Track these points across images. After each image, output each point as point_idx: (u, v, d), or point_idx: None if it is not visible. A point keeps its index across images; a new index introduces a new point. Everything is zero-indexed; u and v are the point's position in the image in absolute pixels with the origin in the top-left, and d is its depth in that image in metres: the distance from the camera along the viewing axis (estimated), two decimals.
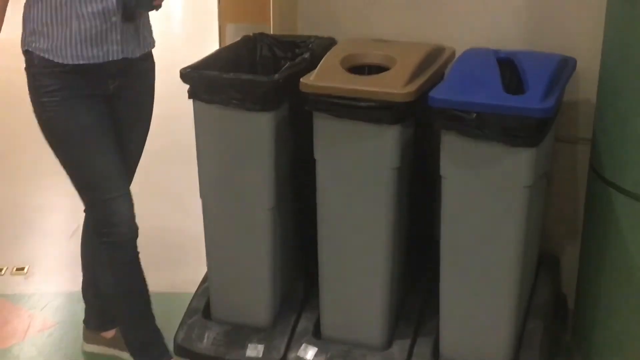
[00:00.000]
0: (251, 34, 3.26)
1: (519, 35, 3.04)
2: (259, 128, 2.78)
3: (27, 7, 2.46)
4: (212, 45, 5.97)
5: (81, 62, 2.45)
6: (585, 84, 2.98)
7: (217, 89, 2.76)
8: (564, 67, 2.80)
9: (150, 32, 2.71)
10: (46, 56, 2.43)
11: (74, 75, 2.47)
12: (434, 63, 2.88)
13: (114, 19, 2.44)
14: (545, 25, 3.02)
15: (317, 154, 2.77)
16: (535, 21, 3.03)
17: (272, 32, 3.46)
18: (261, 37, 3.24)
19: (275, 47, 3.19)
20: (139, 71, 2.67)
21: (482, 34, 3.07)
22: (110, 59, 2.49)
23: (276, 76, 2.75)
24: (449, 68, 2.86)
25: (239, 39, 3.24)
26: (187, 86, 2.82)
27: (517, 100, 2.51)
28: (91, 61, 2.46)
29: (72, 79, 2.48)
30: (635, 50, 2.57)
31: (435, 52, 2.94)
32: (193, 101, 2.83)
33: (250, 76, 2.78)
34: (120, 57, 2.51)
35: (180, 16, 7.95)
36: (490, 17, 3.08)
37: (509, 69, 2.77)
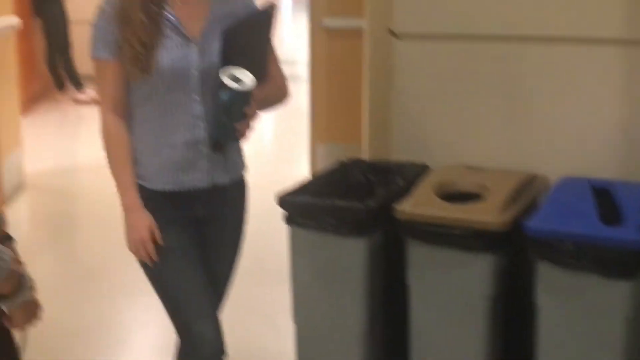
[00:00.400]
0: (345, 160, 3.33)
1: (614, 164, 3.04)
2: (354, 254, 2.82)
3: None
4: (303, 164, 6.14)
5: (170, 188, 2.47)
6: None
7: (313, 215, 2.82)
8: None
9: (241, 157, 2.66)
10: (140, 182, 2.46)
11: (164, 200, 2.48)
12: (527, 191, 2.90)
13: (203, 148, 2.45)
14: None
15: (410, 281, 2.79)
16: (630, 150, 3.03)
17: (363, 155, 3.54)
18: (355, 162, 3.31)
19: (369, 172, 3.25)
20: (228, 198, 2.63)
21: (575, 162, 3.08)
22: (198, 186, 2.49)
23: (370, 203, 2.81)
24: (543, 196, 2.86)
25: (329, 158, 3.31)
26: (275, 205, 2.87)
27: (614, 232, 2.50)
28: (180, 188, 2.47)
29: (163, 203, 2.48)
30: None
31: (528, 180, 2.96)
32: (289, 226, 2.90)
33: (345, 202, 2.84)
34: (208, 184, 2.50)
35: (272, 136, 8.16)
36: (584, 146, 3.09)
37: (605, 198, 2.76)
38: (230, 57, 2.36)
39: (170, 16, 2.37)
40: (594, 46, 3.05)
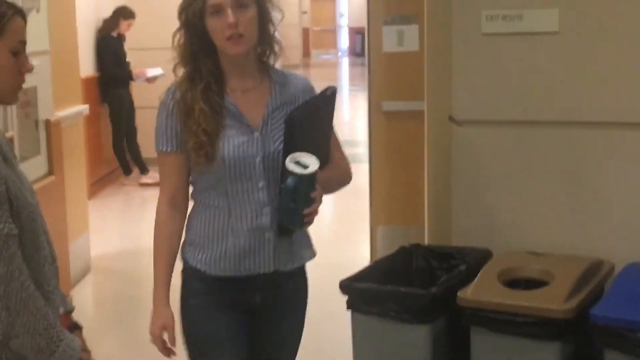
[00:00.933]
0: (406, 245, 3.34)
1: None
2: (417, 340, 2.80)
3: (188, 219, 2.49)
4: (363, 246, 6.14)
5: (232, 274, 2.43)
6: None
7: (375, 301, 2.83)
8: None
9: (309, 243, 2.58)
10: (199, 267, 2.44)
11: (222, 286, 2.45)
12: (593, 278, 2.86)
13: (267, 234, 2.42)
14: None
15: None
16: None
17: (425, 238, 3.54)
18: (416, 248, 3.32)
19: (431, 258, 3.25)
20: (289, 286, 2.54)
21: None
22: (262, 272, 2.44)
23: (433, 289, 2.80)
24: (609, 283, 2.83)
25: (389, 240, 3.32)
26: (336, 288, 2.88)
27: None
28: (242, 274, 2.43)
29: (220, 287, 2.45)
30: None
31: (594, 266, 2.93)
32: (351, 312, 2.90)
33: (408, 289, 2.85)
34: (271, 269, 2.45)
35: (332, 217, 8.20)
36: None
37: None
38: (294, 142, 2.36)
39: (230, 105, 2.39)
40: None
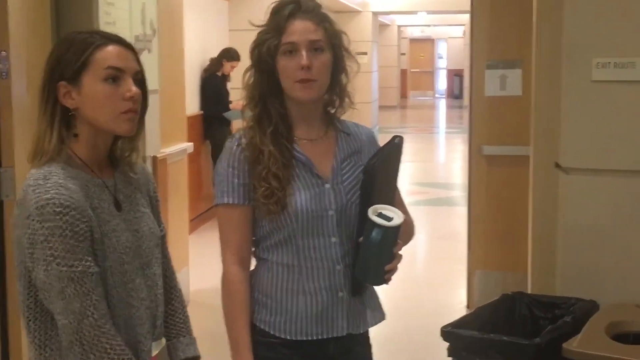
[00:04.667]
0: (509, 292, 3.30)
1: None
2: None
3: (253, 278, 2.29)
4: (460, 291, 6.07)
5: (305, 338, 2.25)
6: None
7: (478, 350, 2.79)
8: None
9: (379, 305, 2.41)
10: (267, 329, 2.25)
11: (292, 350, 2.26)
12: None
13: (341, 294, 2.26)
14: None
15: None
16: None
17: (529, 287, 3.48)
18: (520, 295, 3.27)
19: (534, 306, 3.20)
20: (360, 354, 2.38)
21: None
22: (335, 335, 2.26)
23: (538, 340, 2.75)
24: None
25: (487, 286, 3.27)
26: (435, 334, 2.85)
27: None
28: (315, 337, 2.25)
29: (289, 354, 2.27)
30: None
31: None
32: (452, 359, 2.87)
33: (511, 338, 2.80)
34: (345, 333, 2.27)
35: (429, 261, 8.14)
36: None
37: None
38: (372, 194, 2.23)
39: (299, 154, 2.24)
40: None
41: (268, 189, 2.18)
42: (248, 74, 2.27)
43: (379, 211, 2.15)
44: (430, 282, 7.36)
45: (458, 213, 7.75)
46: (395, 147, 2.28)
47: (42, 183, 1.86)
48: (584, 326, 2.80)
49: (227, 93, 8.46)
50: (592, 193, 3.26)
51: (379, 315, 2.38)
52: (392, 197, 2.27)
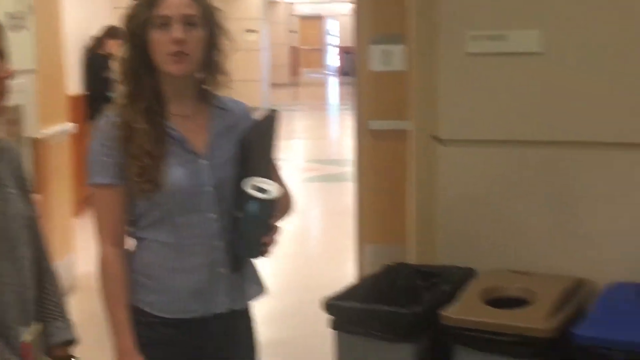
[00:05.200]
0: (391, 263, 3.35)
1: None
2: (401, 359, 2.80)
3: (129, 256, 2.25)
4: (349, 265, 6.14)
5: (185, 316, 2.24)
6: None
7: (359, 321, 2.83)
8: None
9: (259, 279, 2.41)
10: (147, 309, 2.23)
11: (172, 331, 2.25)
12: (575, 297, 2.88)
13: (221, 270, 2.26)
14: None
15: None
16: None
17: (409, 258, 3.55)
18: (401, 266, 3.32)
19: (415, 277, 3.25)
20: (243, 329, 2.41)
21: (624, 267, 3.05)
22: (216, 312, 2.27)
23: (417, 308, 2.81)
24: (591, 302, 2.84)
25: (376, 259, 3.32)
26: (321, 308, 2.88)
27: None
28: (196, 315, 2.25)
29: (169, 335, 2.25)
30: None
31: (576, 286, 2.94)
32: (335, 331, 2.90)
33: (391, 308, 2.85)
34: (225, 309, 2.28)
35: (319, 236, 8.20)
36: (633, 251, 3.06)
37: None
38: (249, 167, 2.23)
39: (172, 131, 2.21)
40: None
41: (141, 167, 2.15)
42: (122, 49, 2.21)
43: (256, 184, 2.16)
44: (322, 257, 7.43)
45: (349, 188, 7.82)
46: (270, 120, 2.27)
47: None
48: (461, 293, 2.86)
49: (111, 73, 8.27)
50: (470, 164, 3.33)
51: (260, 289, 2.39)
52: (269, 171, 2.26)
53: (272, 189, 2.16)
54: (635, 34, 3.06)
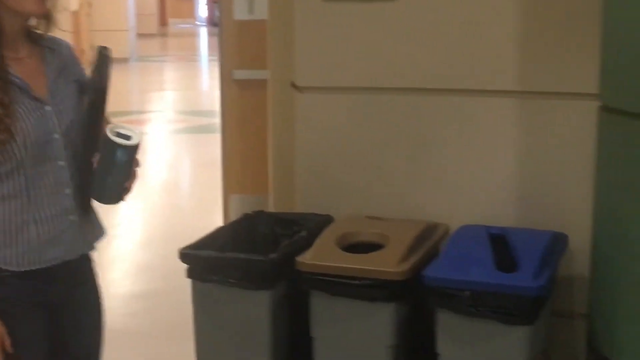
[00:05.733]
0: (250, 212, 3.34)
1: (511, 212, 3.11)
2: (257, 307, 2.81)
3: None
4: (216, 216, 6.12)
5: (40, 266, 2.22)
6: (579, 260, 3.02)
7: (215, 269, 2.81)
8: (556, 244, 2.85)
9: (99, 220, 2.43)
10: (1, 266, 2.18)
11: (23, 282, 2.21)
12: (428, 240, 2.94)
13: (72, 217, 2.26)
14: (535, 202, 3.10)
15: (314, 332, 2.79)
16: (526, 198, 3.11)
17: (271, 206, 3.55)
18: (260, 215, 3.31)
19: (275, 224, 3.26)
20: (87, 272, 2.43)
21: (474, 210, 3.14)
22: (70, 258, 2.29)
23: (273, 255, 2.81)
24: (443, 245, 2.91)
25: (242, 209, 3.31)
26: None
27: (509, 279, 2.55)
28: (51, 264, 2.23)
29: (20, 287, 2.21)
30: (625, 225, 2.63)
31: (429, 229, 3.01)
32: (191, 281, 2.87)
33: (247, 255, 2.84)
34: (75, 256, 2.30)
35: (187, 187, 8.12)
36: (482, 194, 3.16)
37: (502, 245, 2.82)
38: (100, 113, 2.24)
39: (15, 78, 2.14)
40: (489, 97, 3.14)
41: None
42: None
43: (116, 130, 2.17)
44: (189, 208, 7.38)
45: (218, 140, 7.78)
46: (107, 59, 2.24)
47: None
48: (316, 239, 2.88)
49: None
50: (327, 111, 3.34)
51: (103, 231, 2.42)
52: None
53: (134, 135, 2.18)
54: None
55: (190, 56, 20.97)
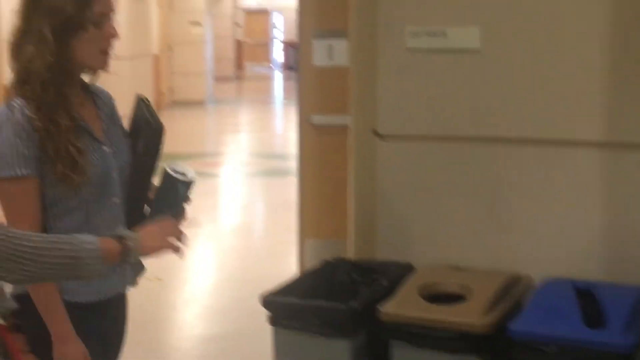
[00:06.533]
0: (330, 259, 3.34)
1: (596, 265, 3.05)
2: (338, 355, 2.80)
3: None
4: (291, 260, 6.13)
5: (94, 299, 2.31)
6: None
7: (297, 316, 2.81)
8: None
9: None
10: (62, 297, 2.23)
11: (83, 314, 2.28)
12: (511, 292, 2.90)
13: None
14: (623, 255, 3.03)
15: None
16: (613, 250, 3.04)
17: (349, 253, 3.54)
18: (339, 261, 3.31)
19: (354, 272, 3.24)
20: (126, 306, 2.51)
21: (559, 262, 3.09)
22: (121, 292, 2.40)
23: (354, 303, 2.80)
24: (527, 298, 2.86)
25: (318, 254, 3.31)
26: (254, 303, 2.90)
27: (597, 335, 2.50)
28: (105, 297, 2.33)
29: (81, 319, 2.26)
30: None
31: (512, 281, 2.96)
32: (273, 327, 2.88)
33: (329, 303, 2.84)
34: (128, 289, 2.42)
35: (262, 230, 8.16)
36: (568, 246, 3.10)
37: (588, 300, 2.76)
38: (159, 153, 2.38)
39: (82, 122, 2.26)
40: (573, 148, 3.10)
41: (73, 162, 2.17)
42: (28, 46, 2.17)
43: (173, 168, 2.30)
44: (263, 251, 7.41)
45: (293, 183, 7.83)
46: (148, 104, 2.40)
47: None
48: (398, 288, 2.86)
49: None
50: (408, 159, 3.34)
51: (143, 267, 2.48)
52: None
53: (189, 173, 2.31)
54: (569, 34, 3.09)
55: (265, 99, 21.25)
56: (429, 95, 3.28)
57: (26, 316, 2.17)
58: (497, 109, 3.18)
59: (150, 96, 13.43)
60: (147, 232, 2.04)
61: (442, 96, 3.26)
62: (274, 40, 32.44)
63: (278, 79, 27.70)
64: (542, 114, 3.13)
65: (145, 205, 2.36)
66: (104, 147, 2.30)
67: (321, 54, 5.55)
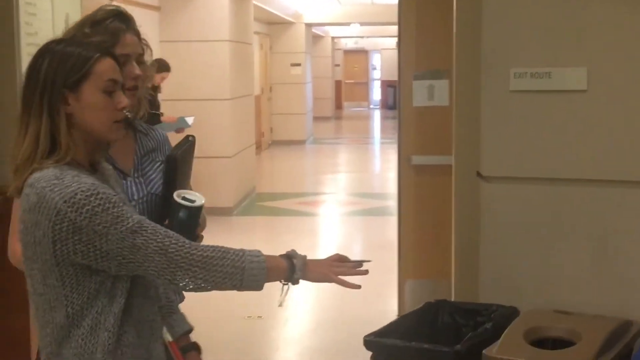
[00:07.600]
0: (432, 300, 3.32)
1: None
2: None
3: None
4: (391, 300, 6.10)
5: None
6: None
7: (400, 358, 2.80)
8: None
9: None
10: None
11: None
12: (621, 338, 2.82)
13: None
14: None
15: None
16: None
17: (453, 294, 3.51)
18: (442, 303, 3.29)
19: (457, 314, 3.22)
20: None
21: None
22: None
23: (458, 347, 2.77)
24: (637, 344, 2.78)
25: (418, 294, 3.30)
26: (360, 342, 2.87)
27: None
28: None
29: None
30: None
31: (622, 327, 2.88)
32: None
33: (432, 346, 2.82)
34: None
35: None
36: None
37: None
38: (174, 181, 2.48)
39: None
40: None
41: None
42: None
43: (183, 195, 2.41)
44: (362, 292, 7.39)
45: (391, 223, 7.80)
46: (190, 143, 2.59)
47: (57, 182, 1.95)
48: (504, 332, 2.83)
49: (158, 105, 8.38)
50: (512, 201, 3.31)
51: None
52: (189, 186, 2.57)
53: (197, 199, 2.40)
54: None
55: (363, 139, 21.34)
56: (532, 137, 3.25)
57: None
58: (602, 150, 3.12)
59: (251, 136, 13.58)
60: (316, 260, 2.21)
61: (546, 137, 3.23)
62: (372, 80, 32.64)
63: (376, 118, 27.81)
64: None
65: None
66: (128, 179, 2.47)
67: (421, 94, 5.58)
